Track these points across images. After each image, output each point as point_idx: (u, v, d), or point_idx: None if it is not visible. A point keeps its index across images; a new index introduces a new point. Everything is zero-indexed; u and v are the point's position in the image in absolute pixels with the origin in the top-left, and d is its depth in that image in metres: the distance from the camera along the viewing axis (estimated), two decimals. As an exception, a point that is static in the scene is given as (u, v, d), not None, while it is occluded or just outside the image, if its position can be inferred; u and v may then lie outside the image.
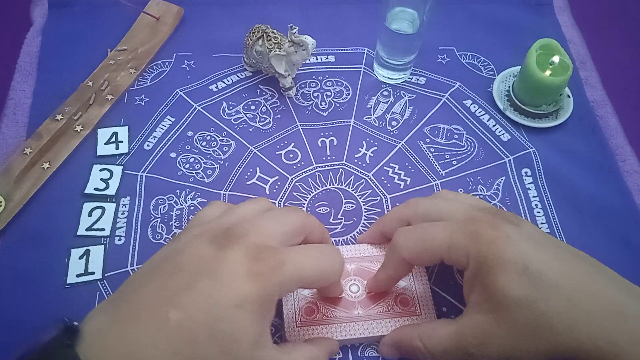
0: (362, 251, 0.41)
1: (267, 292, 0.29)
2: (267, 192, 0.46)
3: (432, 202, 0.38)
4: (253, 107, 0.51)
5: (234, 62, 0.54)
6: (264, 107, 0.51)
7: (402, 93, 0.52)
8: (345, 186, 0.47)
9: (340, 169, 0.48)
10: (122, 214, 0.44)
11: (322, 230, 0.36)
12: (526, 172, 0.48)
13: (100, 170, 0.46)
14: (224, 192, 0.46)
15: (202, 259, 0.29)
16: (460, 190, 0.47)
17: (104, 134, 0.48)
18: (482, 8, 0.59)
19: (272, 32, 0.49)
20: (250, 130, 0.50)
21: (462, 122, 0.51)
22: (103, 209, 0.44)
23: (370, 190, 0.47)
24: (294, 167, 0.48)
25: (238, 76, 0.53)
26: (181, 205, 0.45)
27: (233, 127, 0.50)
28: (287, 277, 0.29)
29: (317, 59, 0.54)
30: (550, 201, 0.46)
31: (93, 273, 0.41)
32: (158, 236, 0.43)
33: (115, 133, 0.48)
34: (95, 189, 0.45)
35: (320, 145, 0.49)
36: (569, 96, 0.51)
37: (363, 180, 0.47)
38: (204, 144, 0.49)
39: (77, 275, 0.41)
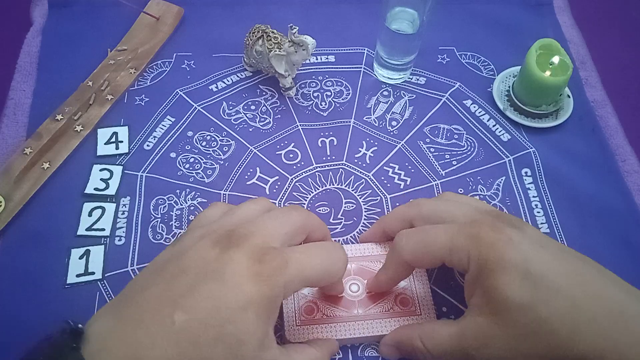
0: (362, 251, 0.41)
1: (272, 293, 0.29)
2: (267, 192, 0.46)
3: (435, 204, 0.38)
4: (253, 107, 0.51)
5: (234, 62, 0.54)
6: (264, 107, 0.51)
7: (402, 93, 0.52)
8: (345, 186, 0.47)
9: (340, 169, 0.48)
10: (122, 214, 0.44)
11: (323, 228, 0.36)
12: (526, 172, 0.48)
13: (100, 170, 0.46)
14: (224, 192, 0.46)
15: (205, 261, 0.29)
16: (460, 191, 0.47)
17: (104, 134, 0.48)
18: (482, 8, 0.59)
19: (272, 32, 0.49)
20: (250, 130, 0.50)
21: (462, 122, 0.51)
22: (103, 209, 0.44)
23: (370, 190, 0.47)
24: (294, 167, 0.48)
25: (238, 76, 0.53)
26: (181, 205, 0.45)
27: (233, 127, 0.50)
28: (291, 278, 0.30)
29: (317, 59, 0.54)
30: (550, 201, 0.46)
31: (93, 273, 0.41)
32: (158, 236, 0.43)
33: (115, 133, 0.48)
34: (95, 189, 0.45)
35: (320, 145, 0.49)
36: (569, 96, 0.51)
37: (363, 180, 0.47)
38: (204, 144, 0.49)
39: (77, 275, 0.41)
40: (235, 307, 0.28)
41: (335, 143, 0.49)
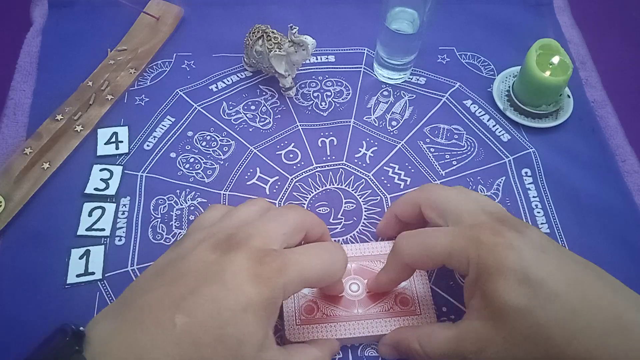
0: (362, 250, 0.41)
1: (272, 295, 0.29)
2: (267, 192, 0.46)
3: (445, 193, 0.38)
4: (253, 107, 0.51)
5: (234, 62, 0.54)
6: (264, 107, 0.51)
7: (402, 93, 0.52)
8: (345, 186, 0.47)
9: (340, 169, 0.48)
10: (122, 214, 0.44)
11: (321, 226, 0.37)
12: (526, 172, 0.48)
13: (100, 170, 0.46)
14: (224, 192, 0.46)
15: (206, 264, 0.29)
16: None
17: (104, 134, 0.48)
18: (482, 8, 0.59)
19: (272, 32, 0.49)
20: (250, 130, 0.50)
21: (462, 122, 0.51)
22: (103, 209, 0.44)
23: (370, 190, 0.47)
24: (294, 167, 0.48)
25: (238, 76, 0.53)
26: (181, 205, 0.45)
27: (233, 127, 0.50)
28: (291, 279, 0.30)
29: (317, 59, 0.54)
30: (550, 201, 0.46)
31: (93, 273, 0.41)
32: (158, 236, 0.43)
33: (115, 133, 0.48)
34: (95, 189, 0.45)
35: (320, 145, 0.49)
36: (569, 96, 0.51)
37: (363, 180, 0.47)
38: (204, 144, 0.49)
39: (77, 276, 0.41)
40: (235, 309, 0.28)
41: (335, 143, 0.49)
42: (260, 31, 0.49)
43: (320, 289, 0.38)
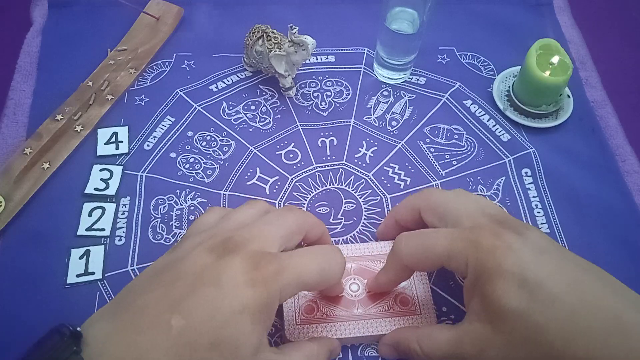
0: (362, 250, 0.41)
1: (268, 298, 0.29)
2: (267, 192, 0.46)
3: (444, 196, 0.38)
4: (253, 107, 0.51)
5: (234, 62, 0.54)
6: (264, 107, 0.51)
7: (402, 93, 0.52)
8: (345, 186, 0.47)
9: (340, 169, 0.48)
10: (122, 214, 0.44)
11: (320, 226, 0.37)
12: (526, 172, 0.48)
13: (100, 170, 0.46)
14: (224, 192, 0.46)
15: (202, 267, 0.29)
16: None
17: (104, 134, 0.48)
18: (482, 8, 0.59)
19: (272, 32, 0.49)
20: (250, 130, 0.50)
21: (462, 122, 0.51)
22: (103, 209, 0.44)
23: (370, 190, 0.47)
24: (294, 167, 0.48)
25: (238, 76, 0.53)
26: (181, 205, 0.45)
27: (233, 127, 0.50)
28: (287, 283, 0.30)
29: (317, 59, 0.54)
30: (550, 201, 0.46)
31: (93, 273, 0.41)
32: (158, 236, 0.43)
33: (115, 133, 0.48)
34: (95, 189, 0.45)
35: (320, 145, 0.49)
36: (569, 96, 0.51)
37: (363, 180, 0.47)
38: (204, 144, 0.49)
39: (77, 275, 0.41)
40: (231, 312, 0.28)
41: (335, 143, 0.49)
42: (260, 31, 0.49)
43: (319, 291, 0.38)
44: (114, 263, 0.42)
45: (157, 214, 0.44)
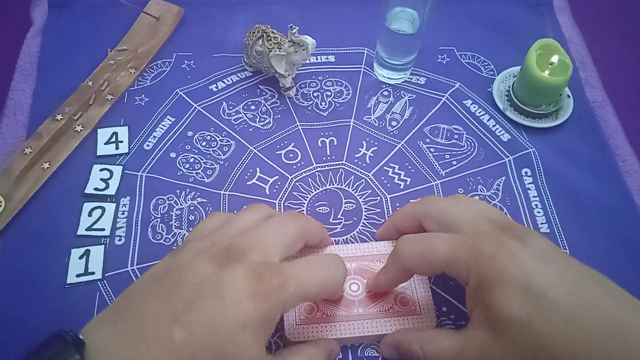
0: (362, 250, 0.41)
1: (270, 312, 0.29)
2: (267, 192, 0.46)
3: (445, 204, 0.37)
4: (253, 107, 0.51)
5: (234, 62, 0.54)
6: (264, 107, 0.51)
7: (402, 93, 0.52)
8: (345, 186, 0.47)
9: (340, 169, 0.48)
10: (122, 214, 0.44)
11: (322, 233, 0.36)
12: (526, 172, 0.48)
13: (100, 170, 0.46)
14: (224, 192, 0.46)
15: (204, 277, 0.29)
16: (460, 191, 0.47)
17: (104, 134, 0.48)
18: (482, 8, 0.59)
19: (272, 32, 0.49)
20: (250, 130, 0.50)
21: (462, 122, 0.51)
22: (103, 209, 0.44)
23: (370, 190, 0.47)
24: (294, 167, 0.48)
25: (238, 76, 0.53)
26: (181, 205, 0.45)
27: (233, 127, 0.50)
28: (290, 295, 0.30)
29: (317, 59, 0.54)
30: (550, 201, 0.46)
31: (93, 273, 0.41)
32: (158, 236, 0.43)
33: (115, 133, 0.48)
34: (95, 189, 0.45)
35: (320, 145, 0.49)
36: (569, 96, 0.51)
37: (363, 180, 0.47)
38: (204, 144, 0.49)
39: (77, 275, 0.41)
40: (233, 327, 0.28)
41: (335, 143, 0.49)
42: (260, 31, 0.49)
43: None
44: (113, 263, 0.42)
45: (157, 214, 0.44)
